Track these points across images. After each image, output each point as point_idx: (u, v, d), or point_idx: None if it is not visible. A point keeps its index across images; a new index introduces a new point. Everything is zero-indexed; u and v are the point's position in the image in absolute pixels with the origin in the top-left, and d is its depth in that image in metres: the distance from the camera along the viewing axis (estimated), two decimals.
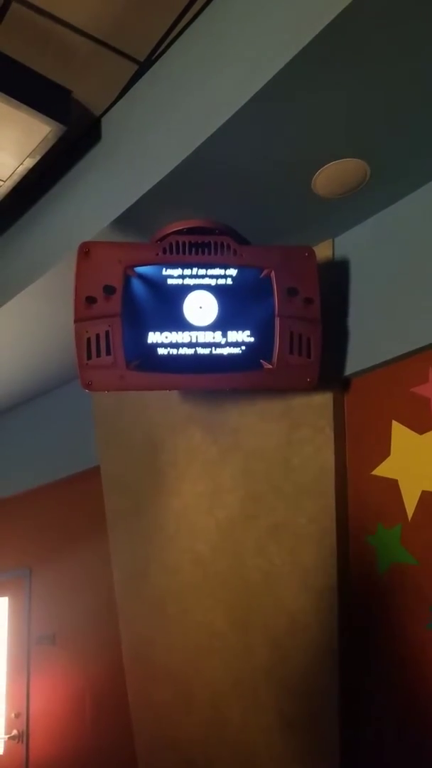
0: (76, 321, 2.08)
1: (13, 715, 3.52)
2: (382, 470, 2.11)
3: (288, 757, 2.13)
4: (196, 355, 2.11)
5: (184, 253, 2.08)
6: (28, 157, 2.36)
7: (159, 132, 2.03)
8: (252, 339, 2.11)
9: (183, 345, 2.10)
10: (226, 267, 2.09)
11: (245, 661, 2.29)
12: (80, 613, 3.25)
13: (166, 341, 2.10)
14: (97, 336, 2.06)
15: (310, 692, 2.09)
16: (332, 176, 1.97)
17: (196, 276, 2.09)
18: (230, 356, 2.11)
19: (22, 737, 3.44)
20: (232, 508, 2.44)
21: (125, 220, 2.15)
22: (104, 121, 2.30)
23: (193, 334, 2.11)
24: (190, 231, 2.13)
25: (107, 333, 2.06)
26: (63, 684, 3.31)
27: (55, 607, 3.46)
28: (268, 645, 2.24)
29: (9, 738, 3.47)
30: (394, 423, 2.10)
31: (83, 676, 3.19)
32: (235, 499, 2.44)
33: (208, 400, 2.57)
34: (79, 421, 3.33)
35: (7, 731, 3.48)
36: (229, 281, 2.10)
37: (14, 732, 3.47)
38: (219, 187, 2.02)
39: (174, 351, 2.10)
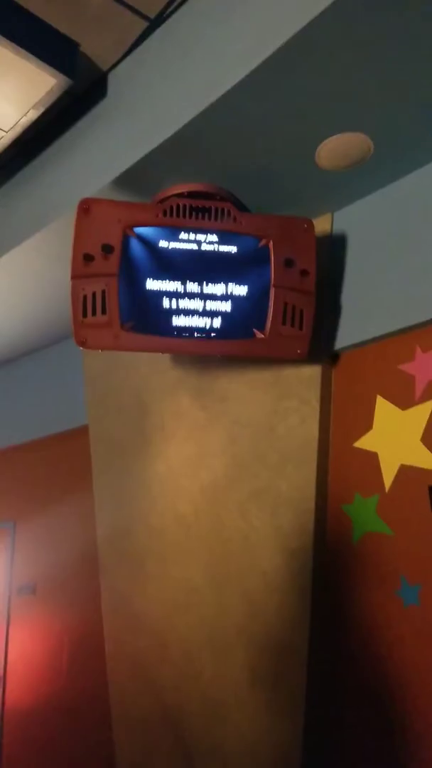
0: (73, 278, 2.09)
1: None
2: (364, 443, 2.18)
3: (255, 711, 2.24)
4: (189, 320, 2.14)
5: (184, 216, 2.09)
6: (31, 108, 2.33)
7: (165, 92, 2.02)
8: (246, 307, 2.14)
9: (178, 309, 2.12)
10: (225, 234, 2.11)
11: (220, 617, 2.38)
12: (61, 566, 3.33)
13: (162, 305, 2.12)
14: (94, 294, 2.08)
15: (281, 650, 2.19)
16: (336, 149, 1.98)
17: (195, 241, 2.11)
18: (223, 323, 2.15)
19: None
20: (217, 472, 2.50)
21: (127, 179, 2.14)
22: (111, 77, 2.28)
23: (188, 298, 2.14)
24: (192, 195, 2.13)
25: (103, 292, 2.08)
26: (42, 633, 3.41)
27: (37, 560, 3.54)
28: (242, 603, 2.33)
29: None
30: (379, 398, 2.16)
31: (62, 626, 3.29)
32: (220, 464, 2.50)
33: (198, 366, 2.60)
34: (70, 380, 3.36)
35: None
36: (227, 248, 2.12)
37: None
38: (222, 152, 2.03)
39: (168, 314, 2.13)
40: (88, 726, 3.00)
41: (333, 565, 2.17)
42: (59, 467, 3.50)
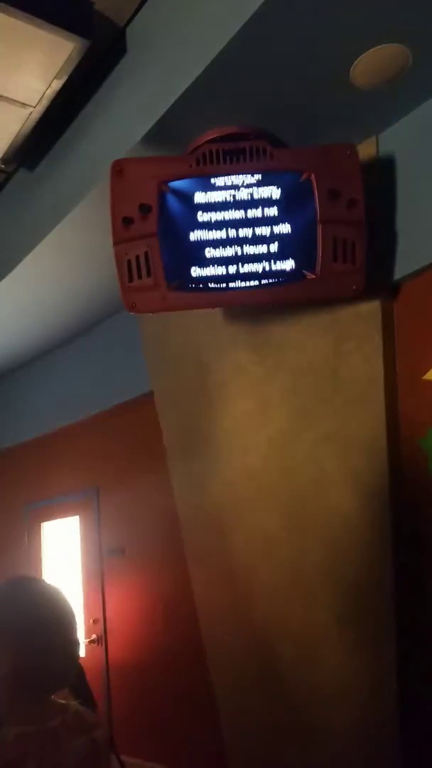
0: (115, 244, 2.09)
1: (91, 621, 3.83)
2: None
3: (348, 648, 2.25)
4: (236, 270, 2.09)
5: (218, 162, 2.02)
6: (54, 78, 2.30)
7: (186, 34, 1.93)
8: (294, 248, 2.07)
9: (223, 260, 2.08)
10: (262, 173, 2.02)
11: (301, 562, 2.40)
12: (146, 527, 3.45)
13: (206, 258, 2.08)
14: (137, 258, 2.07)
15: (365, 588, 2.18)
16: (371, 65, 1.84)
17: (232, 186, 2.04)
18: (271, 268, 2.08)
19: (100, 641, 3.77)
20: (282, 423, 2.48)
21: (159, 134, 2.09)
22: (129, 31, 2.21)
23: (232, 248, 2.09)
24: (224, 139, 2.06)
25: (146, 254, 2.06)
26: (134, 591, 3.57)
27: (122, 523, 3.68)
28: (323, 546, 2.32)
29: (89, 642, 3.80)
30: None
31: (153, 584, 3.43)
32: (284, 414, 2.47)
33: (252, 318, 2.56)
34: (132, 349, 3.40)
35: (87, 636, 3.82)
36: (267, 188, 2.04)
37: (93, 636, 3.80)
38: (252, 87, 1.93)
39: (214, 267, 2.09)
40: (186, 672, 3.13)
41: (412, 500, 2.12)
42: (133, 432, 3.58)
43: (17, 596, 1.13)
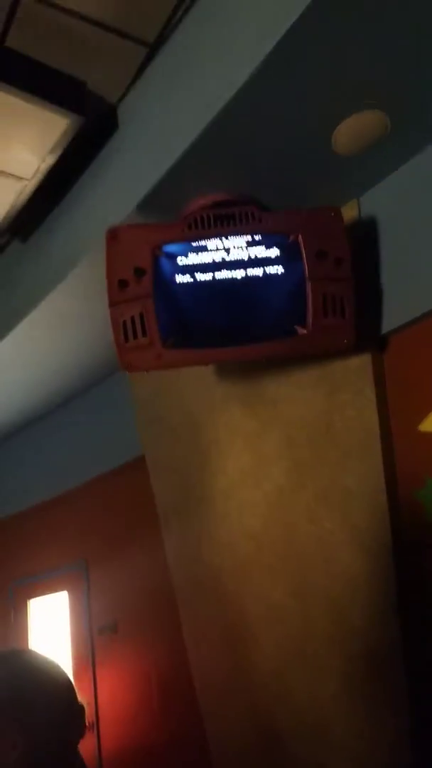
0: (110, 305, 2.12)
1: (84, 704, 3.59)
2: (428, 425, 2.09)
3: (359, 719, 2.12)
4: (229, 328, 2.13)
5: (209, 226, 2.10)
6: (49, 153, 2.42)
7: (175, 110, 2.05)
8: (284, 305, 2.12)
9: (215, 318, 2.12)
10: (252, 236, 2.10)
11: (306, 629, 2.30)
12: (140, 600, 3.30)
13: (199, 316, 2.12)
14: (132, 318, 2.10)
15: (374, 652, 2.09)
16: (352, 132, 1.96)
17: (223, 249, 2.11)
18: (263, 325, 2.12)
19: (92, 727, 3.51)
20: (279, 479, 2.44)
21: (151, 202, 2.17)
22: (121, 107, 2.35)
23: (224, 307, 2.14)
24: (215, 205, 2.15)
25: (141, 315, 2.10)
26: (128, 671, 3.37)
27: (114, 596, 3.52)
28: (327, 610, 2.24)
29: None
30: None
31: (148, 661, 3.24)
32: (280, 470, 2.44)
33: (244, 375, 2.58)
34: (119, 413, 3.39)
35: None
36: (257, 250, 2.11)
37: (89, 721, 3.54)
38: (239, 157, 2.04)
39: (208, 325, 2.12)
40: (187, 755, 2.91)
41: (414, 556, 2.07)
42: (123, 499, 3.50)
43: (10, 669, 1.06)
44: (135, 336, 2.11)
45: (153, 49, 2.16)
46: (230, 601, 2.62)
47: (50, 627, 4.04)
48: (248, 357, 2.21)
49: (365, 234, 2.26)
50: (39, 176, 2.53)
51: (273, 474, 2.46)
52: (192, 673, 2.77)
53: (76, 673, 3.67)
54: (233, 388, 2.62)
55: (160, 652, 3.15)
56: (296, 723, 2.34)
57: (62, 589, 3.91)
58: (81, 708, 1.06)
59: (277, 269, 2.11)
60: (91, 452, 3.71)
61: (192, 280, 2.13)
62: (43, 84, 2.15)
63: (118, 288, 2.12)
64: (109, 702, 3.48)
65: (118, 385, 3.39)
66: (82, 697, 3.53)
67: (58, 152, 2.41)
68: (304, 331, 2.09)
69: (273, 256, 2.11)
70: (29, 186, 2.57)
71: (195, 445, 2.79)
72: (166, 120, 2.09)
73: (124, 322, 2.11)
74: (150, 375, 2.54)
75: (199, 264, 2.13)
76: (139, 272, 2.11)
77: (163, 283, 2.12)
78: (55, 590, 3.98)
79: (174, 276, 2.14)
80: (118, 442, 3.44)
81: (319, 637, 2.27)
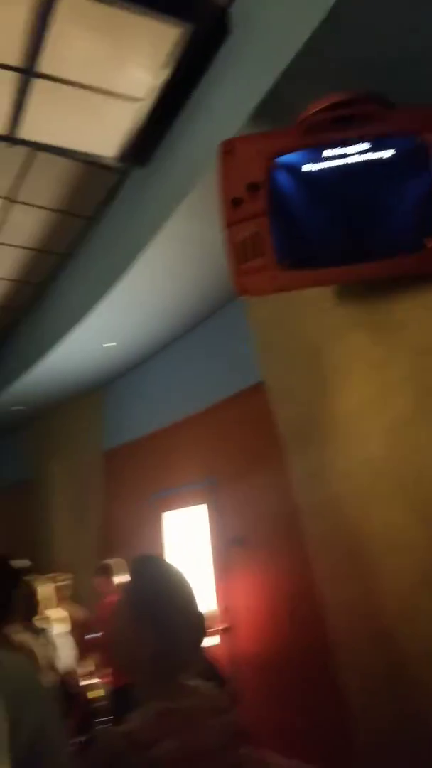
0: (225, 226, 2.06)
1: (222, 609, 3.82)
2: None
3: None
4: (350, 243, 1.97)
5: (326, 131, 1.92)
6: (161, 68, 2.34)
7: (288, 4, 1.85)
8: (412, 216, 1.91)
9: (334, 235, 1.98)
10: (374, 138, 1.89)
11: (430, 552, 2.22)
12: (266, 516, 3.39)
13: (317, 233, 1.99)
14: (246, 239, 2.02)
15: None
16: None
17: (342, 155, 1.93)
18: (388, 240, 1.94)
19: (227, 630, 3.75)
20: (404, 408, 2.31)
21: (267, 110, 2.03)
22: (232, 10, 2.17)
23: (344, 221, 1.98)
24: (334, 107, 1.95)
25: (256, 234, 2.01)
26: (259, 582, 3.53)
27: (242, 512, 3.65)
28: None
29: (223, 630, 3.78)
30: None
31: (273, 575, 3.37)
32: (404, 399, 2.30)
33: (367, 297, 2.41)
34: (241, 339, 3.38)
35: (219, 624, 3.81)
36: (380, 154, 1.90)
37: (226, 625, 3.78)
38: (360, 50, 1.81)
39: (325, 243, 1.99)
40: (312, 668, 3.04)
41: None
42: (249, 422, 3.55)
43: (149, 574, 1.13)
44: (250, 258, 2.03)
45: None
46: (353, 526, 2.59)
47: (183, 538, 4.32)
48: (371, 275, 2.05)
49: None
50: (154, 94, 2.47)
51: (398, 403, 2.33)
52: (319, 593, 2.83)
53: (217, 578, 3.90)
54: (355, 311, 2.47)
55: (285, 568, 3.25)
56: (420, 645, 2.31)
57: (198, 503, 4.12)
58: (202, 614, 1.13)
59: (402, 176, 1.89)
60: (219, 376, 3.77)
61: (308, 192, 1.98)
62: None
63: (232, 206, 2.03)
64: (240, 608, 3.69)
65: (239, 310, 3.34)
66: (223, 601, 3.78)
67: (172, 65, 2.33)
68: None
69: (399, 159, 1.89)
70: (145, 106, 2.52)
71: (315, 372, 2.71)
72: (279, 18, 1.90)
73: (239, 244, 2.04)
74: (267, 300, 2.47)
75: (316, 174, 1.97)
76: (253, 188, 2.00)
77: (278, 198, 2.00)
78: (190, 504, 4.21)
79: (289, 189, 2.00)
80: (243, 367, 3.45)
81: None
